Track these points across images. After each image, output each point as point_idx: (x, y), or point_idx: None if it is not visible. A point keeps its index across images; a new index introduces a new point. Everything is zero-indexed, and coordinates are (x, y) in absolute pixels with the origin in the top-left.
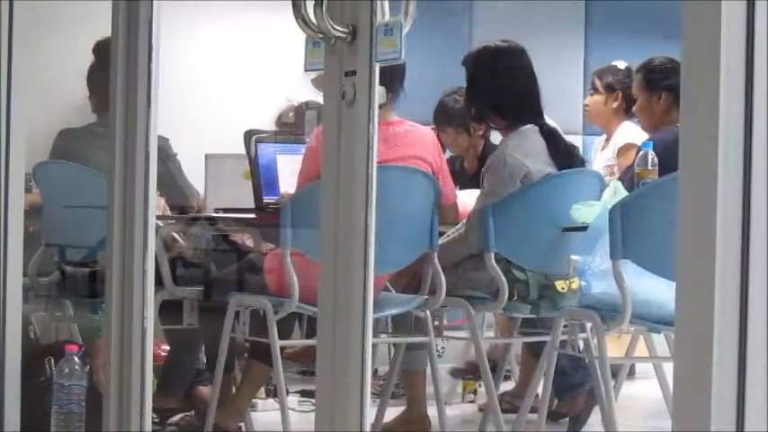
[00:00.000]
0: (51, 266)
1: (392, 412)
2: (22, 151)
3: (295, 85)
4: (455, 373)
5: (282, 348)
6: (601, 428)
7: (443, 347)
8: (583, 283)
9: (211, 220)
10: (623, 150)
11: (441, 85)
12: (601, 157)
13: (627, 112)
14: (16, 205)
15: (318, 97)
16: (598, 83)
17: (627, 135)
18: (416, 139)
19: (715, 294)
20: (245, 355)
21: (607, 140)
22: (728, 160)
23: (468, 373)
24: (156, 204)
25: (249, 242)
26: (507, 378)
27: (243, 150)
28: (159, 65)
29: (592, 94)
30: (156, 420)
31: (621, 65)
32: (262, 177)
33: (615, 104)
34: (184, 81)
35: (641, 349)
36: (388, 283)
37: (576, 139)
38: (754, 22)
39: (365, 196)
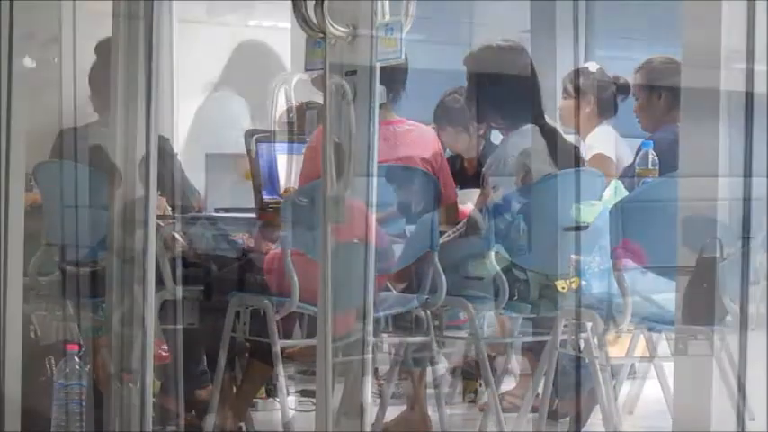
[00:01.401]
0: (52, 266)
1: (393, 412)
2: (23, 151)
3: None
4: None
5: (283, 348)
6: (601, 428)
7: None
8: (583, 283)
9: (212, 219)
10: (593, 161)
11: (441, 85)
12: None
13: (601, 115)
14: (16, 205)
15: (319, 97)
16: (570, 87)
17: (599, 144)
18: (417, 138)
19: (715, 294)
20: (246, 354)
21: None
22: (729, 160)
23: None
24: (157, 204)
25: (249, 242)
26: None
27: (243, 150)
28: (159, 65)
29: (564, 98)
30: (157, 420)
31: (593, 67)
32: (262, 177)
33: (588, 109)
34: (185, 81)
35: (641, 349)
36: (388, 283)
37: (576, 139)
38: (755, 22)
39: (365, 196)
